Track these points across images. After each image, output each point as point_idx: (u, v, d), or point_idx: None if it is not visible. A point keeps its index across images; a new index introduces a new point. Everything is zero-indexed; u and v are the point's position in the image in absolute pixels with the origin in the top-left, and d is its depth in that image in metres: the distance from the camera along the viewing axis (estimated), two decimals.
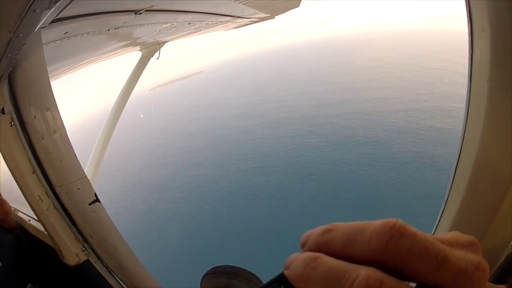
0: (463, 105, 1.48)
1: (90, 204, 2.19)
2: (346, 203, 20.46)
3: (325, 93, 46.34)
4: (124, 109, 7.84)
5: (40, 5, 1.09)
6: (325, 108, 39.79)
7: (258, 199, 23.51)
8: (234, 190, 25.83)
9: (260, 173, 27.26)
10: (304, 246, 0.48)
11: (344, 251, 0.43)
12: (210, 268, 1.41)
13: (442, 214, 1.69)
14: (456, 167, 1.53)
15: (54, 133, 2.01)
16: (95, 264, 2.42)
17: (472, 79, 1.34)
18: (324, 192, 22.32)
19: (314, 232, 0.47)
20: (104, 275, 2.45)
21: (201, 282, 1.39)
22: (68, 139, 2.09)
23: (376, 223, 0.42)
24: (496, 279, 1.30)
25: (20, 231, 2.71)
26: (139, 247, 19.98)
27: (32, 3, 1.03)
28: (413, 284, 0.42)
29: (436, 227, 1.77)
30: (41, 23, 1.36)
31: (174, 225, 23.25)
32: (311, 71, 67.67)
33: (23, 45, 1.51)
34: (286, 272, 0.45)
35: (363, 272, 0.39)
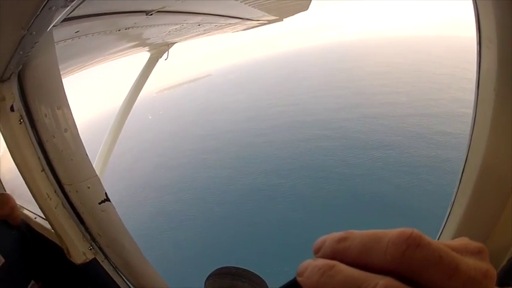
0: (471, 111, 1.50)
1: (100, 203, 2.19)
2: (360, 206, 20.56)
3: (336, 98, 46.54)
4: (132, 110, 7.87)
5: (56, 2, 1.08)
6: (337, 112, 39.96)
7: (271, 202, 23.54)
8: (246, 193, 25.81)
9: (273, 176, 27.29)
10: (317, 253, 0.47)
11: (360, 259, 0.43)
12: (214, 269, 1.41)
13: (448, 217, 1.72)
14: (462, 172, 1.57)
15: (66, 132, 2.01)
16: (101, 263, 2.43)
17: (479, 88, 1.37)
18: (338, 195, 22.40)
19: (329, 239, 0.47)
20: (110, 274, 2.46)
21: (205, 283, 1.38)
22: (80, 138, 2.09)
23: (392, 232, 0.42)
24: (499, 282, 1.30)
25: (25, 228, 2.73)
26: (150, 248, 20.07)
27: (48, 0, 1.02)
28: None
29: (443, 229, 1.80)
30: (55, 22, 1.36)
31: (185, 226, 23.24)
32: (320, 76, 67.82)
33: (35, 43, 1.51)
34: (300, 279, 0.44)
35: (381, 281, 0.39)
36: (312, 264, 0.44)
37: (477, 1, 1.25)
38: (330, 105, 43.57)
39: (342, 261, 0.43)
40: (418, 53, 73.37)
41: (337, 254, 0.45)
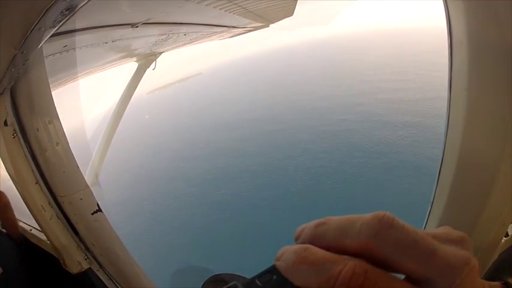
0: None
1: (92, 213, 2.23)
2: (411, 179, 19.95)
3: (345, 87, 45.67)
4: (124, 116, 7.84)
5: (45, 24, 1.14)
6: (351, 98, 38.84)
7: (320, 183, 22.16)
8: (291, 175, 23.65)
9: (311, 159, 26.23)
10: (297, 239, 0.49)
11: (336, 243, 0.44)
12: (209, 276, 1.39)
13: (428, 218, 1.72)
14: (440, 169, 1.57)
15: (57, 145, 2.05)
16: (97, 272, 2.45)
17: (451, 88, 1.40)
18: (385, 171, 21.71)
19: (308, 226, 0.48)
20: (105, 283, 2.49)
21: None
22: (71, 151, 2.13)
23: (366, 216, 0.43)
24: (490, 277, 1.34)
25: (22, 240, 2.75)
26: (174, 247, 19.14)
27: (37, 22, 1.08)
28: (403, 276, 0.43)
29: (424, 228, 1.78)
30: (44, 41, 1.42)
31: (242, 213, 20.98)
32: (321, 68, 65.66)
33: (26, 60, 1.57)
34: (277, 263, 0.46)
35: (351, 262, 0.40)
36: (289, 248, 0.46)
37: (448, 3, 1.30)
38: (341, 93, 42.28)
39: (319, 245, 0.45)
40: (414, 44, 72.24)
41: (314, 238, 0.46)
